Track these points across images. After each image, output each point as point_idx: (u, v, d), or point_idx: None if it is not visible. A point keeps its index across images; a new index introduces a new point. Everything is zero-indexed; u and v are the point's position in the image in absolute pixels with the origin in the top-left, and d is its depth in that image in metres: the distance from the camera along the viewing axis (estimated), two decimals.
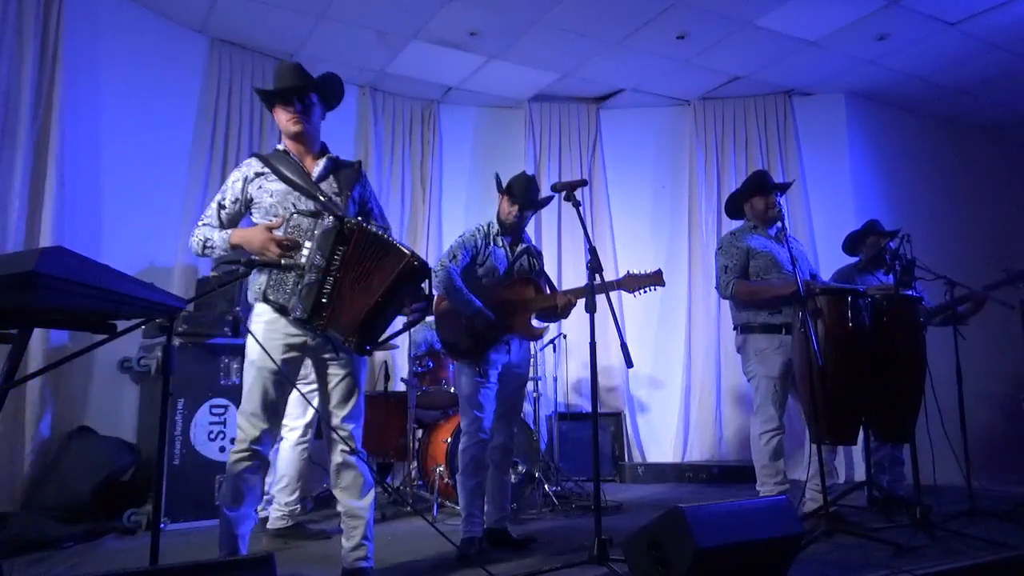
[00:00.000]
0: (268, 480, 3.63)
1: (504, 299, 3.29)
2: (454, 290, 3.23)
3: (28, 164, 4.03)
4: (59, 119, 4.15)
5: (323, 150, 2.70)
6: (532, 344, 4.34)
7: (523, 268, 3.42)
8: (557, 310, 3.22)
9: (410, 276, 2.45)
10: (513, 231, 3.43)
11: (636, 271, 3.22)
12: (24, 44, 4.07)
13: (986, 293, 4.26)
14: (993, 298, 4.26)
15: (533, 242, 3.59)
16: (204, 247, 2.56)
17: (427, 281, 2.52)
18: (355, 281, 2.43)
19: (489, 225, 3.43)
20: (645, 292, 3.18)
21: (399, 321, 2.63)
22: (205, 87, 5.10)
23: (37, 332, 2.11)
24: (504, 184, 3.42)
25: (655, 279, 3.17)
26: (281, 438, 3.66)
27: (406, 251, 2.43)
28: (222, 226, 2.60)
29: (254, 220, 2.59)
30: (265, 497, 3.69)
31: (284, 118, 2.61)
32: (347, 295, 2.42)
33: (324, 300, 2.41)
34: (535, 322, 3.38)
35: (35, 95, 4.08)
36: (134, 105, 4.71)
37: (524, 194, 3.37)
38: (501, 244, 3.40)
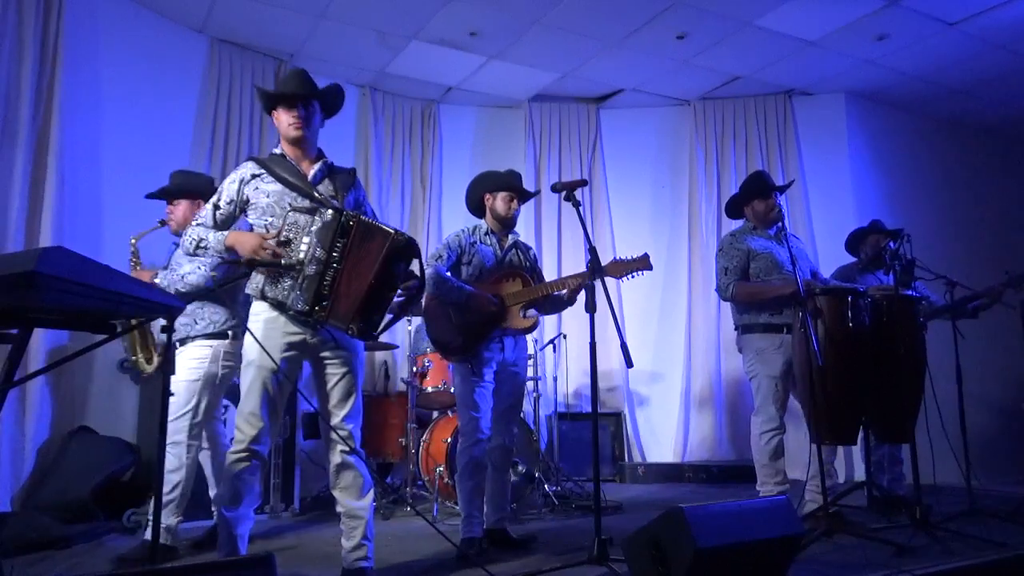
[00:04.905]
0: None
1: (491, 294, 3.27)
2: (442, 282, 3.20)
3: (28, 164, 4.03)
4: (59, 119, 4.14)
5: (319, 155, 2.71)
6: (531, 344, 4.33)
7: (513, 262, 3.40)
8: (564, 299, 3.21)
9: (399, 253, 2.49)
10: (508, 226, 3.43)
11: (623, 256, 3.15)
12: (24, 44, 4.06)
13: (1002, 288, 4.22)
14: (1004, 303, 4.23)
15: (523, 238, 3.57)
16: (197, 246, 2.57)
17: (418, 261, 2.56)
18: (352, 270, 2.45)
19: (476, 228, 3.42)
20: (633, 277, 3.11)
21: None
22: (205, 87, 5.11)
23: (37, 332, 2.11)
24: (488, 186, 3.41)
25: (642, 263, 3.09)
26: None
27: (390, 229, 2.47)
28: (216, 227, 2.62)
29: (249, 221, 2.61)
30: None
31: (286, 122, 2.62)
32: (345, 285, 2.43)
33: (325, 291, 2.42)
34: (523, 314, 3.27)
35: (35, 95, 4.08)
36: (134, 105, 4.71)
37: (520, 185, 3.42)
38: (489, 242, 3.39)
